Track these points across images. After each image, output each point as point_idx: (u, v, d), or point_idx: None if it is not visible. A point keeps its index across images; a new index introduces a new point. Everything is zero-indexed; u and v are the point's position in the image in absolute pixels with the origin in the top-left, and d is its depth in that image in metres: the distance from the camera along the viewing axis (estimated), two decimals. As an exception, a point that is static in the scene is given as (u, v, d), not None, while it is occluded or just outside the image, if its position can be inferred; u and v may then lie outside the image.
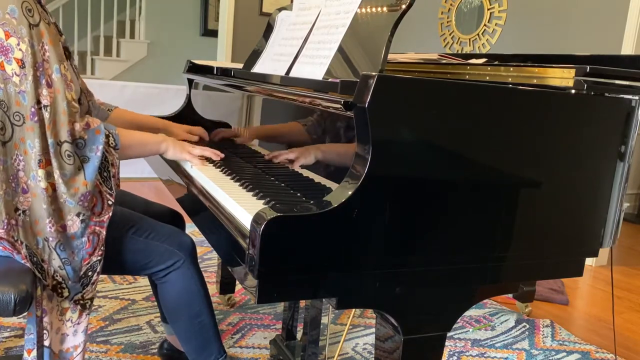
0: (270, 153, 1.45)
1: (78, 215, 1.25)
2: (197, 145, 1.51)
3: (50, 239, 1.23)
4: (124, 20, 6.47)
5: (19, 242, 1.21)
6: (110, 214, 1.30)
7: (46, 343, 1.28)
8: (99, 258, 1.30)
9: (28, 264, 1.21)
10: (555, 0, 3.74)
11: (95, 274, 1.30)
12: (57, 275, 1.26)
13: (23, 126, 1.19)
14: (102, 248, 1.30)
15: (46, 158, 1.21)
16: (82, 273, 1.28)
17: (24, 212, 1.22)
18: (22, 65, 1.17)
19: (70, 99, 1.23)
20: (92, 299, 1.32)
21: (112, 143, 1.29)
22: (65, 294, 1.28)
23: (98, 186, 1.27)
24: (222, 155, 1.47)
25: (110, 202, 1.30)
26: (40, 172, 1.20)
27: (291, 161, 1.33)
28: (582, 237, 1.18)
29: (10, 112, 1.18)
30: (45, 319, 1.27)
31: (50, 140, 1.20)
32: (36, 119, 1.19)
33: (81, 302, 1.31)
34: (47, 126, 1.19)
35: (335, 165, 1.15)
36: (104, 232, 1.30)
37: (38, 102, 1.19)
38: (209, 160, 1.49)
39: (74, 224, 1.25)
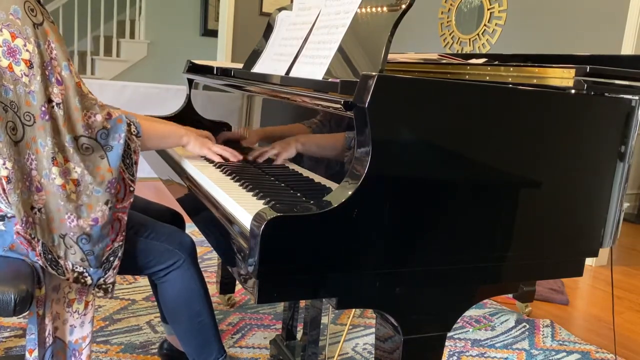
0: (253, 152, 1.46)
1: (106, 203, 1.26)
2: (218, 145, 1.52)
3: (71, 233, 1.24)
4: (124, 20, 6.47)
5: (36, 239, 1.22)
6: (132, 199, 1.33)
7: (53, 337, 1.29)
8: (120, 243, 1.32)
9: (40, 261, 1.22)
10: (555, 0, 3.74)
11: (117, 258, 1.32)
12: (77, 267, 1.27)
13: (34, 126, 1.20)
14: (123, 233, 1.32)
15: (64, 155, 1.22)
16: (104, 258, 1.30)
17: (39, 210, 1.23)
18: (30, 66, 1.18)
19: (86, 92, 1.26)
20: (113, 283, 1.34)
21: (134, 131, 1.32)
22: (89, 281, 1.30)
23: (121, 173, 1.30)
24: (241, 157, 1.49)
25: (132, 189, 1.32)
26: (55, 170, 1.21)
27: (275, 155, 1.35)
28: (582, 237, 1.18)
29: (21, 113, 1.20)
30: (52, 311, 1.28)
31: (67, 136, 1.22)
32: (47, 117, 1.20)
33: (103, 286, 1.32)
34: (62, 123, 1.21)
35: (317, 156, 1.15)
36: (125, 218, 1.32)
37: (49, 100, 1.20)
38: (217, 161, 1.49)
39: (104, 214, 1.26)
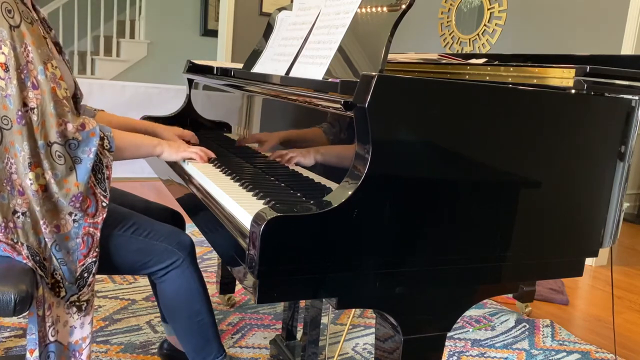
0: (272, 154, 1.45)
1: (70, 214, 1.26)
2: (191, 146, 1.52)
3: (47, 239, 1.24)
4: (124, 20, 6.47)
5: (19, 243, 1.21)
6: (105, 215, 1.30)
7: (52, 339, 1.28)
8: (93, 259, 1.30)
9: (30, 264, 1.21)
10: (555, 0, 3.74)
11: (91, 275, 1.30)
12: (56, 274, 1.26)
13: (11, 129, 1.19)
14: (96, 250, 1.30)
15: (35, 160, 1.20)
16: (77, 274, 1.29)
17: (23, 213, 1.22)
18: (6, 69, 1.16)
19: (60, 98, 1.23)
20: (88, 301, 1.33)
21: (106, 145, 1.29)
22: (62, 294, 1.28)
23: (92, 188, 1.28)
24: (213, 156, 1.50)
25: (104, 204, 1.30)
26: (31, 175, 1.19)
27: (290, 159, 1.34)
28: (582, 237, 1.18)
29: None
30: (51, 314, 1.28)
31: (40, 142, 1.20)
32: (23, 122, 1.18)
33: (77, 303, 1.31)
34: (35, 128, 1.19)
35: (337, 167, 1.15)
36: (98, 234, 1.30)
37: (24, 104, 1.18)
38: (208, 160, 1.50)
39: (67, 223, 1.26)
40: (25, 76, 1.18)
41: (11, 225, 1.20)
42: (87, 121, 1.27)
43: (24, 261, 1.21)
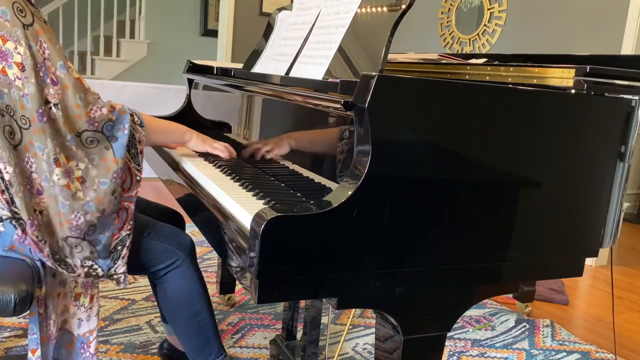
0: (245, 149, 1.48)
1: (112, 193, 1.27)
2: (217, 141, 1.55)
3: (78, 231, 1.24)
4: (124, 20, 6.48)
5: (43, 241, 1.22)
6: (139, 189, 1.34)
7: (53, 337, 1.30)
8: (128, 232, 1.32)
9: (49, 262, 1.23)
10: (555, 0, 3.74)
11: (125, 248, 1.32)
12: (86, 262, 1.27)
13: (30, 129, 1.19)
14: (130, 222, 1.32)
15: (66, 155, 1.22)
16: (112, 247, 1.30)
17: (41, 212, 1.22)
18: (22, 69, 1.17)
19: (87, 87, 1.25)
20: (124, 273, 1.34)
21: (137, 121, 1.33)
22: (100, 272, 1.30)
23: (127, 163, 1.31)
24: (235, 154, 1.55)
25: (138, 178, 1.33)
26: (58, 171, 1.20)
27: (267, 152, 1.37)
28: (582, 237, 1.18)
29: (17, 116, 1.19)
30: (59, 303, 1.29)
31: (69, 135, 1.21)
32: (45, 119, 1.19)
33: (114, 276, 1.33)
34: (62, 123, 1.20)
35: (312, 154, 1.15)
36: (132, 207, 1.33)
37: (46, 102, 1.19)
38: (213, 159, 1.50)
39: (110, 204, 1.27)
40: (44, 74, 1.19)
41: (36, 223, 1.21)
42: (114, 103, 1.30)
43: (45, 259, 1.22)
